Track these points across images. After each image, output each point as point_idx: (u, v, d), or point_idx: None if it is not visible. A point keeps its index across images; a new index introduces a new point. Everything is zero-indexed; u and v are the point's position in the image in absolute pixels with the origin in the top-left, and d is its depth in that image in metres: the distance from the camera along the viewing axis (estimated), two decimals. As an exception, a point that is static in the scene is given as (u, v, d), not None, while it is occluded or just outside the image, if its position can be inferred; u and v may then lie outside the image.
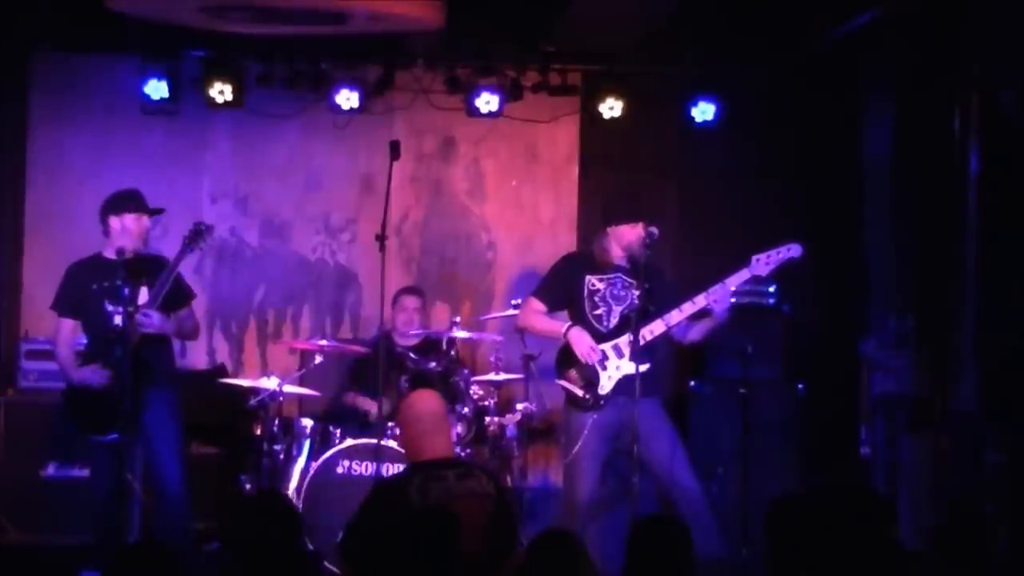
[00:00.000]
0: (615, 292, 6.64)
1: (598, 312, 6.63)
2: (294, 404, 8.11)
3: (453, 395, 7.52)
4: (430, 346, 7.89)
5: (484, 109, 8.78)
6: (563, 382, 6.61)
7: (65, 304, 6.71)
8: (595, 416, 6.51)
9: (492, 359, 8.01)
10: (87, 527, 6.81)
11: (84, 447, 6.92)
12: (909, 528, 7.32)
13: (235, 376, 8.65)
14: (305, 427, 7.57)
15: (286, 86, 8.82)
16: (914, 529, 7.24)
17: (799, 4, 8.27)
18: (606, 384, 6.53)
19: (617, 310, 6.62)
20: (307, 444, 7.52)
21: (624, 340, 6.55)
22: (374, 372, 7.12)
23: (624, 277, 6.64)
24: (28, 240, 8.95)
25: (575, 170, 9.38)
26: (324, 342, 7.91)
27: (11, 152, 8.90)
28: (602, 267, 6.66)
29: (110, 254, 6.63)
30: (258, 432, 7.56)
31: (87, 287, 6.60)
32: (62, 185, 8.96)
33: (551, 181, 9.39)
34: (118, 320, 6.51)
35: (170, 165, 9.04)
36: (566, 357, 6.60)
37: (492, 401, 7.84)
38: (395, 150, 7.08)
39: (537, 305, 6.76)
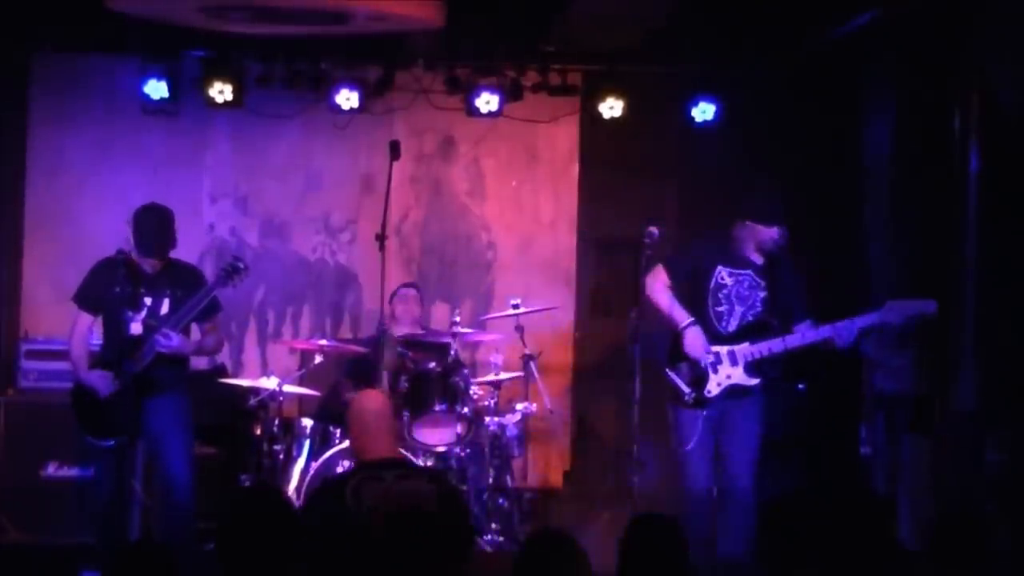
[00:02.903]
0: (740, 291, 6.63)
1: (720, 309, 6.61)
2: (294, 404, 8.11)
3: (453, 395, 7.51)
4: (430, 346, 7.88)
5: (484, 109, 8.79)
6: (672, 374, 6.62)
7: (86, 299, 6.67)
8: (704, 413, 6.56)
9: (492, 359, 8.01)
10: (87, 527, 6.82)
11: (85, 447, 6.92)
12: (909, 528, 7.32)
13: (235, 376, 8.65)
14: (305, 427, 7.57)
15: (286, 86, 8.82)
16: (914, 529, 7.24)
17: (799, 4, 8.26)
18: (713, 389, 6.55)
19: (739, 311, 6.62)
20: (307, 444, 7.52)
21: (740, 349, 6.56)
22: (371, 368, 7.14)
23: (753, 275, 6.65)
24: (28, 240, 8.96)
25: (575, 170, 9.38)
26: (324, 342, 7.91)
27: (11, 152, 8.90)
28: (735, 260, 6.63)
29: (137, 256, 6.61)
30: (258, 432, 7.56)
31: (110, 288, 6.55)
32: (62, 185, 8.97)
33: (551, 181, 9.39)
34: (135, 329, 6.52)
35: (170, 165, 9.05)
36: (679, 350, 6.60)
37: (492, 401, 7.84)
38: (395, 150, 7.09)
39: (665, 277, 6.66)
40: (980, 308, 7.41)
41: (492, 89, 8.75)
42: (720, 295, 6.62)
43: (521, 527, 7.74)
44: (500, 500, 7.71)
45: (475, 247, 9.39)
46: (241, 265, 6.63)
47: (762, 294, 6.62)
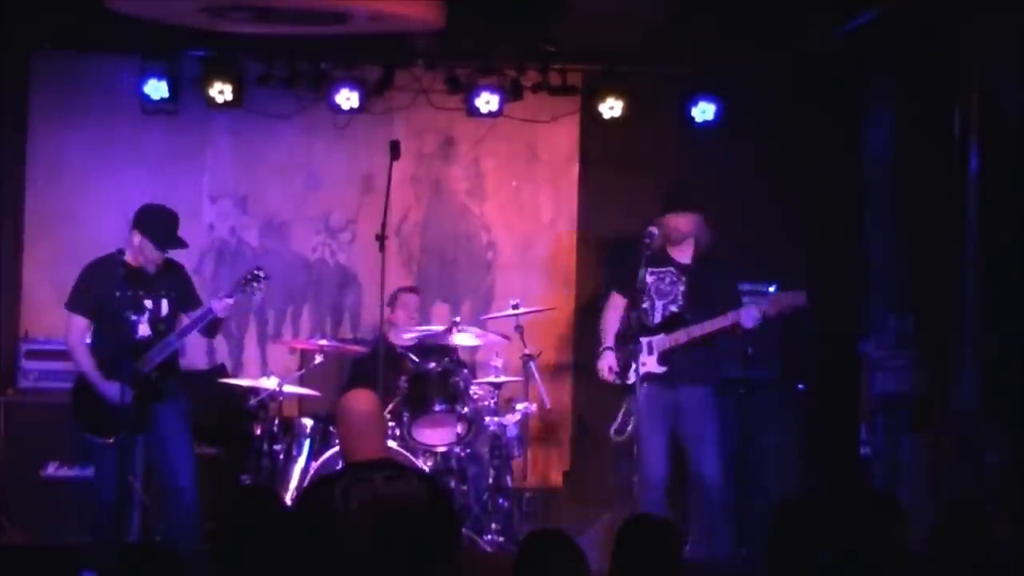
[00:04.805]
0: (661, 287, 7.06)
1: (645, 306, 7.03)
2: (294, 404, 8.12)
3: (453, 395, 7.51)
4: (430, 347, 7.89)
5: (484, 109, 8.78)
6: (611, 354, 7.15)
7: (81, 304, 6.68)
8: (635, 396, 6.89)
9: (492, 360, 8.01)
10: (87, 527, 6.81)
11: (85, 447, 6.93)
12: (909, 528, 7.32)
13: (235, 376, 8.63)
14: (305, 427, 7.57)
15: (286, 86, 8.83)
16: (914, 529, 7.23)
17: (799, 4, 8.27)
18: (631, 375, 6.91)
19: (659, 304, 7.04)
20: (307, 444, 7.53)
21: (656, 339, 6.98)
22: (375, 373, 7.14)
23: (675, 272, 7.04)
24: (28, 240, 8.94)
25: (575, 170, 9.38)
26: (324, 342, 7.91)
27: (11, 152, 8.89)
28: (657, 260, 7.02)
29: (130, 258, 6.62)
30: (258, 432, 7.56)
31: (109, 293, 6.55)
32: (62, 185, 8.96)
33: (551, 181, 9.39)
34: (143, 330, 6.57)
35: (170, 164, 9.04)
36: (624, 338, 7.12)
37: (492, 401, 7.84)
38: (395, 150, 7.09)
39: (618, 301, 7.20)
40: (980, 308, 7.41)
41: (492, 89, 8.75)
42: (643, 294, 7.02)
43: (521, 527, 7.73)
44: (500, 500, 7.71)
45: (475, 247, 9.38)
46: (261, 275, 6.71)
47: (681, 288, 7.02)
